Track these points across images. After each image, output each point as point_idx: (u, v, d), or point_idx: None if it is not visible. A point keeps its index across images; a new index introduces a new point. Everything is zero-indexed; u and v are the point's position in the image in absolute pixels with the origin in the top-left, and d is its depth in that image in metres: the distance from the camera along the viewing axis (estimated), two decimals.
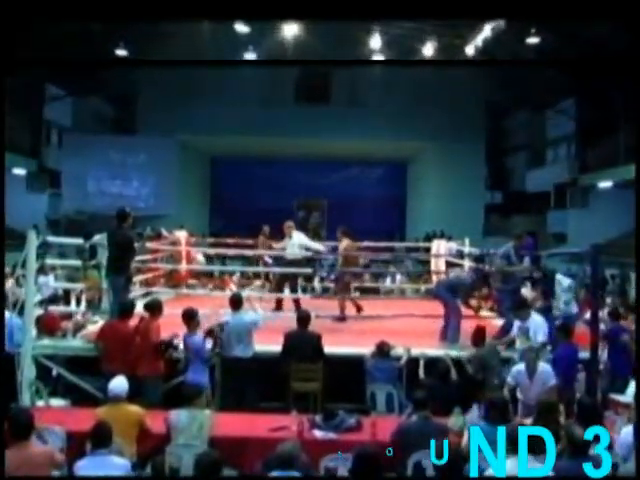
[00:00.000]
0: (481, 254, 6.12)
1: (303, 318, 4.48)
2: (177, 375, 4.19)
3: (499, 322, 5.11)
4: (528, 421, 3.20)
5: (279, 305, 5.88)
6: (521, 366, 3.81)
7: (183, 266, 7.13)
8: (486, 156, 14.94)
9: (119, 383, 3.36)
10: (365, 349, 4.37)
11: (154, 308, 4.26)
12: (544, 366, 3.78)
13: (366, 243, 6.63)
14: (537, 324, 4.20)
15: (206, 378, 3.96)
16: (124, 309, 4.29)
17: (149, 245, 6.36)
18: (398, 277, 8.87)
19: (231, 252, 8.27)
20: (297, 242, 5.93)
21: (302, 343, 4.28)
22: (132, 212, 4.68)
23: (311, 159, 16.25)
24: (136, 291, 5.89)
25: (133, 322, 4.25)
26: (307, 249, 5.94)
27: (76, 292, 5.82)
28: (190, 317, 4.20)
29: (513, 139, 16.24)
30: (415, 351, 4.42)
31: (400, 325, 5.49)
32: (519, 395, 3.78)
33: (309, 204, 17.06)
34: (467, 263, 6.56)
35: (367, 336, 4.65)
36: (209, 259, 13.33)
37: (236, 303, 4.37)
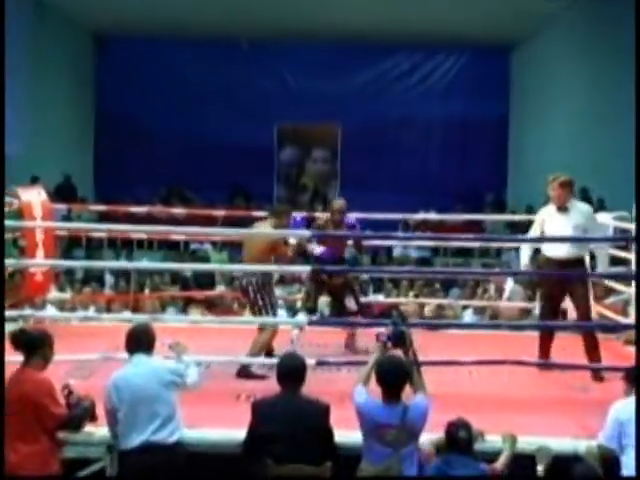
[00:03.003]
0: None
1: (291, 370, 4.45)
2: None
3: None
4: None
5: (351, 339, 6.98)
6: None
7: (38, 262, 7.05)
8: None
9: None
10: (422, 437, 4.38)
11: (34, 346, 4.37)
12: None
13: (419, 215, 6.91)
14: None
15: None
16: None
17: None
18: (510, 282, 9.57)
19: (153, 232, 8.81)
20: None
21: (290, 423, 4.26)
22: None
23: (308, 38, 16.56)
24: None
25: None
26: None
27: None
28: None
29: None
30: (527, 442, 4.56)
31: (492, 384, 5.90)
32: None
33: (305, 134, 17.44)
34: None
35: None
36: (93, 247, 13.84)
37: (138, 340, 4.51)
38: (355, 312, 6.88)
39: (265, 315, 6.19)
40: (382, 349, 4.55)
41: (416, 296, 9.91)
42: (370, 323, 6.77)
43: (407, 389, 4.34)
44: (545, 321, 6.36)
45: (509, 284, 9.22)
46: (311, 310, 6.79)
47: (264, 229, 6.38)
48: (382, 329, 4.71)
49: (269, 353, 6.35)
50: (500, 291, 9.48)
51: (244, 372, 6.05)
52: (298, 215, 7.10)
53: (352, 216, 6.83)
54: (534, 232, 6.42)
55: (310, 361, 5.02)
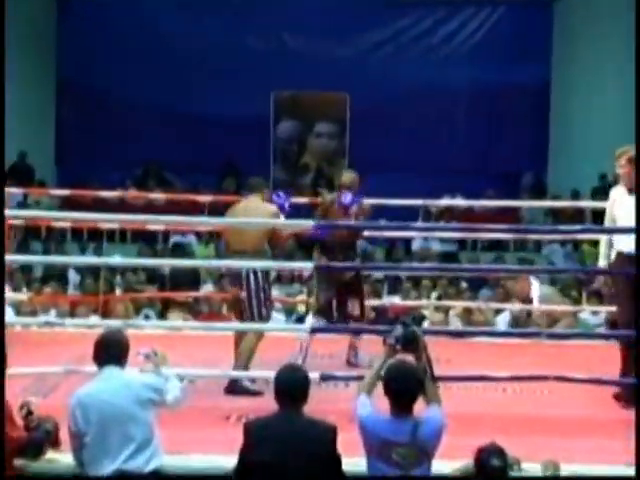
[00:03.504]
0: None
1: (291, 386, 4.43)
2: None
3: None
4: None
5: (353, 351, 7.09)
6: None
7: None
8: None
9: None
10: (444, 464, 4.45)
11: None
12: None
13: (444, 201, 6.88)
14: None
15: None
16: None
17: None
18: (536, 284, 9.41)
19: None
20: None
21: (289, 448, 4.26)
22: None
23: None
24: None
25: None
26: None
27: None
28: None
29: None
30: (572, 470, 4.60)
31: (530, 402, 5.98)
32: None
33: (307, 104, 17.46)
34: None
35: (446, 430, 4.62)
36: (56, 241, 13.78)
37: (108, 349, 4.53)
38: (356, 317, 6.91)
39: (258, 316, 6.21)
40: (389, 353, 4.55)
41: (439, 298, 9.94)
42: (383, 331, 6.69)
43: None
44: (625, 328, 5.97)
45: (535, 286, 9.19)
46: (322, 313, 6.82)
47: (259, 209, 6.39)
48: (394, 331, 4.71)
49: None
50: (525, 298, 9.37)
51: (234, 387, 6.08)
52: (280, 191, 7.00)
53: (348, 194, 6.81)
54: (608, 218, 6.24)
55: (314, 375, 5.04)
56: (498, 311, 9.57)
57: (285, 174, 17.40)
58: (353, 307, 6.93)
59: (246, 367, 6.16)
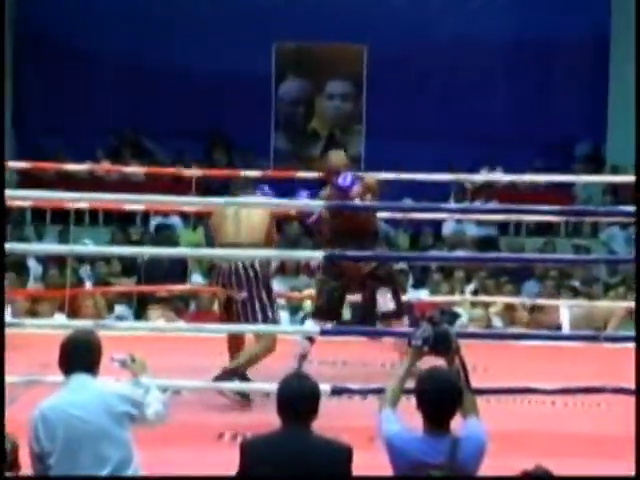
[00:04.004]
0: None
1: (297, 398, 4.41)
2: None
3: None
4: None
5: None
6: None
7: None
8: None
9: None
10: None
11: None
12: None
13: (481, 176, 6.86)
14: None
15: None
16: None
17: None
18: (564, 311, 9.57)
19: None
20: None
21: (295, 472, 4.28)
22: None
23: None
24: None
25: None
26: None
27: None
28: None
29: None
30: None
31: (583, 418, 6.08)
32: None
33: (316, 59, 17.49)
34: None
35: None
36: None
37: (77, 354, 4.54)
38: (391, 315, 6.87)
39: (264, 318, 6.23)
40: (415, 356, 4.56)
41: (475, 293, 9.94)
42: (404, 333, 6.43)
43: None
44: None
45: (564, 313, 9.18)
46: (326, 313, 6.81)
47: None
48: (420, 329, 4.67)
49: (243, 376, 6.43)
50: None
51: (229, 373, 6.10)
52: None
53: (347, 174, 6.72)
54: None
55: (324, 386, 5.05)
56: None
57: (289, 144, 17.39)
58: (385, 301, 6.87)
59: (241, 371, 6.18)
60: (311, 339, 6.50)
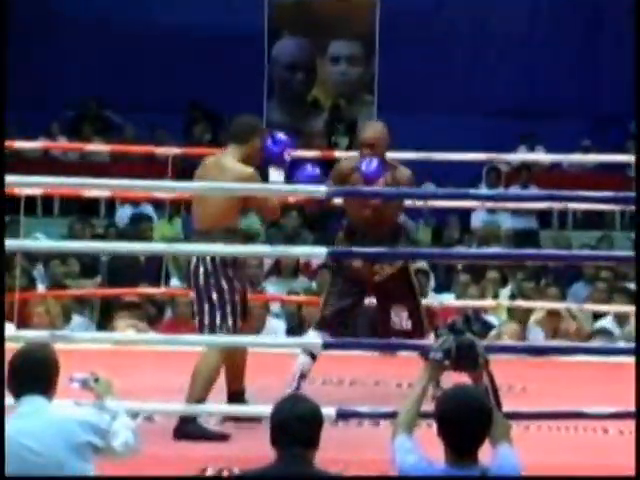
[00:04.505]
0: None
1: (295, 425, 4.39)
2: None
3: None
4: None
5: None
6: None
7: None
8: None
9: None
10: None
11: None
12: None
13: (518, 155, 6.86)
14: None
15: None
16: None
17: None
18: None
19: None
20: None
21: None
22: None
23: None
24: None
25: None
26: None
27: None
28: None
29: None
30: None
31: None
32: None
33: (318, 14, 17.61)
34: None
35: None
36: None
37: (28, 373, 4.55)
38: (407, 333, 6.83)
39: (209, 327, 6.23)
40: (435, 372, 4.54)
41: (512, 297, 9.94)
42: (424, 346, 6.29)
43: None
44: None
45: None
46: (325, 326, 6.77)
47: (227, 169, 6.44)
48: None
49: (237, 395, 6.44)
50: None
51: (186, 429, 6.09)
52: (278, 133, 6.81)
53: (373, 159, 6.57)
54: None
55: (328, 409, 5.07)
56: (598, 316, 9.56)
57: (285, 116, 17.40)
58: (400, 318, 6.82)
59: (201, 399, 6.17)
60: (313, 354, 6.50)
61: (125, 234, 13.17)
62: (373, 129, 6.84)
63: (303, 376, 6.50)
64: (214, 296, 6.25)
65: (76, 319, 9.69)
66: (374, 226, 6.74)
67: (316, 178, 6.57)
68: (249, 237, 7.51)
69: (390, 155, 6.87)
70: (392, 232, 6.87)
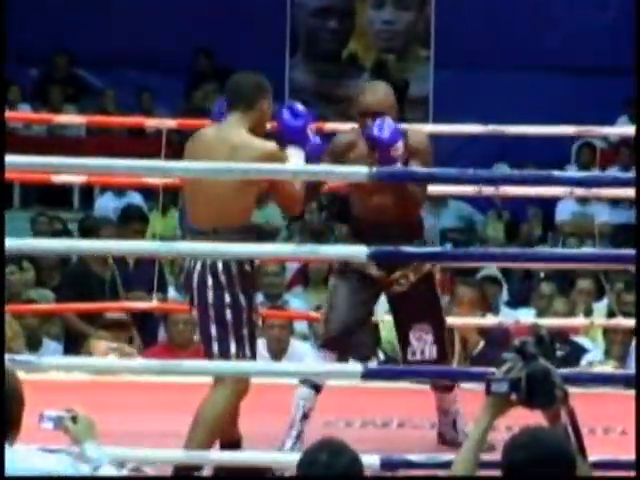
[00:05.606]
0: None
1: (323, 478, 4.39)
2: None
3: None
4: None
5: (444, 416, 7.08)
6: None
7: None
8: None
9: None
10: None
11: None
12: None
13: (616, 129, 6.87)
14: None
15: None
16: None
17: None
18: None
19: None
20: None
21: None
22: None
23: None
24: None
25: None
26: None
27: None
28: None
29: None
30: None
31: None
32: None
33: None
34: None
35: None
36: None
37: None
38: (427, 362, 6.79)
39: (222, 354, 6.24)
40: (498, 409, 4.53)
41: (610, 314, 9.96)
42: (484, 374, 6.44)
43: None
44: None
45: None
46: (332, 346, 6.74)
47: (237, 144, 6.45)
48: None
49: (233, 442, 6.51)
50: None
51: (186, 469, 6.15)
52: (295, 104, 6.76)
53: (384, 121, 6.56)
54: None
55: (369, 459, 5.12)
56: None
57: (313, 76, 17.46)
58: (421, 342, 6.82)
59: (206, 447, 6.19)
60: (317, 387, 6.53)
61: (106, 230, 13.22)
62: (376, 93, 6.86)
63: (305, 417, 6.53)
64: (228, 316, 6.22)
65: (49, 344, 9.76)
66: (387, 220, 6.77)
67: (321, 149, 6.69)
68: (267, 235, 7.50)
69: (447, 128, 6.93)
70: (410, 228, 6.85)
